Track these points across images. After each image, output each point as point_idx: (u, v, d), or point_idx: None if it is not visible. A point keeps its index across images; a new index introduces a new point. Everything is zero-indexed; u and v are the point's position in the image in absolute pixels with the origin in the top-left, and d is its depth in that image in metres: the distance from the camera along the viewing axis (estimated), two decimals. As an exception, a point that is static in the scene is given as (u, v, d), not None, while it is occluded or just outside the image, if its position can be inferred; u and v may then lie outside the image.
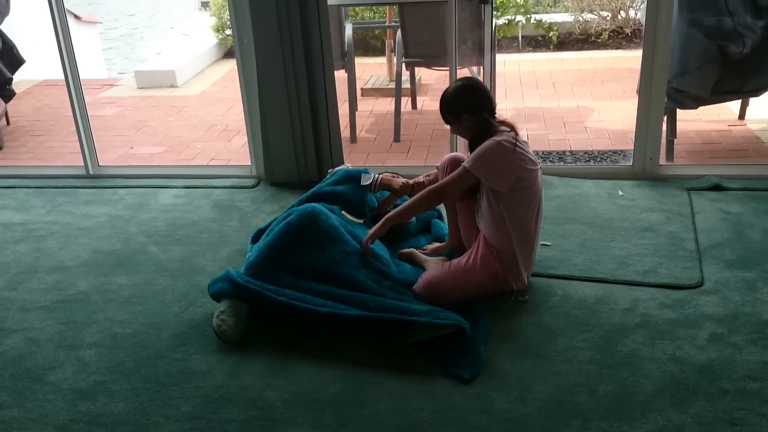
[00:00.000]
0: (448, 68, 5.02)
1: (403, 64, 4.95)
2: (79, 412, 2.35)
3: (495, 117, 2.81)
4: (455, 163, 2.87)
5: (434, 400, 2.32)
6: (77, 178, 4.31)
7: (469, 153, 2.81)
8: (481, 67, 4.82)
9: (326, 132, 3.94)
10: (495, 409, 2.27)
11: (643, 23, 4.55)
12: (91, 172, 4.33)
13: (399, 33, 4.85)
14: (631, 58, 6.75)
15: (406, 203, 2.90)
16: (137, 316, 2.87)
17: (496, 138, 2.70)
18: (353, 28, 5.24)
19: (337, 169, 3.54)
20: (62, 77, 4.16)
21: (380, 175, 3.30)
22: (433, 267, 2.90)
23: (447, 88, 2.88)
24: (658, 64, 3.65)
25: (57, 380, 2.51)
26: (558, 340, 2.58)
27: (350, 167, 3.55)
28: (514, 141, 2.70)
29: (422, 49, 4.81)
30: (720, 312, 2.68)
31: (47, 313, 2.92)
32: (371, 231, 2.85)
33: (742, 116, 4.83)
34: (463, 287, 2.77)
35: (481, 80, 4.78)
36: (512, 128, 2.76)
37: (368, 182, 3.27)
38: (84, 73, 4.27)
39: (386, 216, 2.87)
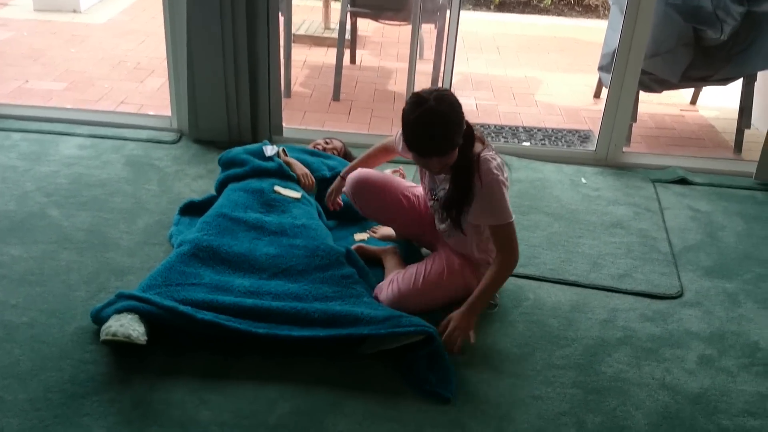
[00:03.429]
0: (397, 23, 4.63)
1: (348, 14, 4.46)
2: (-42, 431, 1.87)
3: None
4: (365, 183, 2.52)
5: (403, 428, 1.97)
6: (-41, 115, 3.64)
7: (451, 182, 2.29)
8: (434, 25, 4.42)
9: (265, 84, 3.43)
10: (474, 444, 1.95)
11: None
12: (-23, 109, 3.67)
13: (346, -22, 4.36)
14: (575, 27, 6.51)
15: (482, 287, 2.28)
16: (35, 300, 2.36)
17: (493, 175, 2.22)
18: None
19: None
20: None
21: (281, 149, 3.02)
22: (394, 270, 2.51)
23: (422, 114, 2.09)
24: (636, 45, 3.35)
25: (-72, 385, 2.00)
26: (535, 356, 2.28)
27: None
28: (502, 167, 2.29)
29: (372, -1, 4.35)
30: (705, 329, 2.46)
31: None
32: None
33: (694, 102, 4.67)
34: (435, 299, 2.40)
35: (436, 40, 4.38)
36: (483, 142, 2.29)
37: (273, 153, 2.98)
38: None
39: (470, 304, 2.26)
